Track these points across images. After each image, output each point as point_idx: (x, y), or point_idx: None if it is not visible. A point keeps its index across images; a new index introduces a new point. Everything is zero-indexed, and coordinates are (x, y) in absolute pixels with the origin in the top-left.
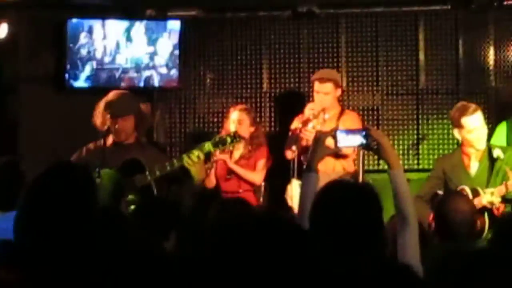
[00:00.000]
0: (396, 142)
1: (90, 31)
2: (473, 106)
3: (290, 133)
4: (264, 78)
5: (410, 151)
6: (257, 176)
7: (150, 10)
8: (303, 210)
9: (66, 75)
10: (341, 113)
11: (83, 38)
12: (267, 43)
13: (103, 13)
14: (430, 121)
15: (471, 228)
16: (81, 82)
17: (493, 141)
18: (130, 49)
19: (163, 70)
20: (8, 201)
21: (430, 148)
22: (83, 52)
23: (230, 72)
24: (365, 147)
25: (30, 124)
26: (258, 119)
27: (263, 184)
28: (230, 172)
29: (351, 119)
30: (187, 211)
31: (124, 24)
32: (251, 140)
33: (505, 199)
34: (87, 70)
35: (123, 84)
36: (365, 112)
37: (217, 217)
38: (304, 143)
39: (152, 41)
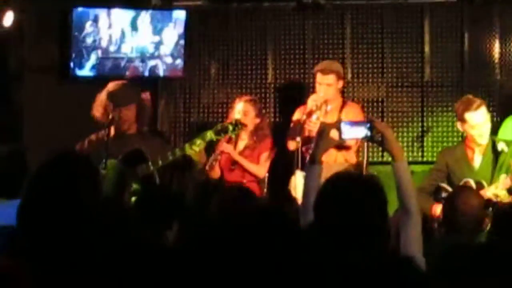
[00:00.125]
0: (400, 134)
1: (95, 20)
2: (478, 101)
3: (292, 124)
4: (269, 69)
5: (415, 144)
6: (261, 169)
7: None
8: (307, 202)
9: (71, 64)
10: (343, 104)
11: (88, 27)
12: (272, 34)
13: (108, 2)
14: (434, 114)
15: (479, 222)
16: (86, 71)
17: (500, 134)
18: (136, 38)
19: (168, 60)
20: (13, 189)
21: (434, 140)
22: (88, 41)
23: (235, 62)
24: (369, 139)
25: (34, 112)
26: (263, 110)
27: (267, 175)
28: (234, 162)
29: (353, 111)
30: (189, 201)
31: (129, 13)
32: (256, 132)
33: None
34: (92, 59)
35: (128, 74)
36: (370, 104)
37: (218, 208)
38: (307, 133)
39: (157, 31)
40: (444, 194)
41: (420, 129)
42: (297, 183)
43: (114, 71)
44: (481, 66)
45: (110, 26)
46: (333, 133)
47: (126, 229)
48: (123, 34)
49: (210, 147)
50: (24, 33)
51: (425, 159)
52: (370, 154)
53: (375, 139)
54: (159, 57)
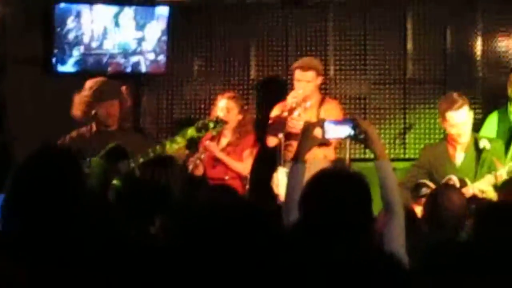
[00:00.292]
0: (382, 131)
1: (78, 15)
2: (460, 101)
3: (270, 121)
4: (252, 65)
5: (397, 140)
6: (243, 167)
7: None
8: (291, 201)
9: (54, 59)
10: (322, 101)
11: (70, 23)
12: (255, 30)
13: None
14: (417, 111)
15: (462, 219)
16: (68, 67)
17: (483, 131)
18: (118, 34)
19: (151, 56)
20: None
21: (416, 137)
22: (71, 36)
23: (218, 59)
24: (353, 138)
25: (17, 105)
26: (245, 107)
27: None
28: (217, 159)
29: (332, 108)
30: (172, 197)
31: (112, 9)
32: (239, 128)
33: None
34: (75, 55)
35: (110, 69)
36: (352, 101)
37: (200, 205)
38: (288, 130)
39: (140, 27)
40: (425, 190)
41: (402, 126)
42: (280, 180)
43: (96, 67)
44: (464, 63)
45: (92, 22)
46: (317, 132)
47: (112, 224)
48: (105, 30)
49: (192, 143)
50: (6, 25)
51: (407, 156)
52: (352, 151)
53: (359, 138)
54: (141, 53)
